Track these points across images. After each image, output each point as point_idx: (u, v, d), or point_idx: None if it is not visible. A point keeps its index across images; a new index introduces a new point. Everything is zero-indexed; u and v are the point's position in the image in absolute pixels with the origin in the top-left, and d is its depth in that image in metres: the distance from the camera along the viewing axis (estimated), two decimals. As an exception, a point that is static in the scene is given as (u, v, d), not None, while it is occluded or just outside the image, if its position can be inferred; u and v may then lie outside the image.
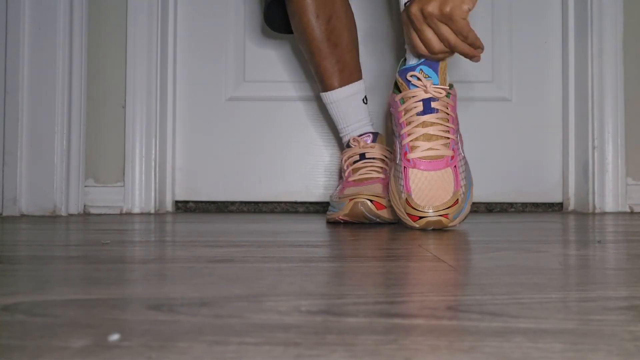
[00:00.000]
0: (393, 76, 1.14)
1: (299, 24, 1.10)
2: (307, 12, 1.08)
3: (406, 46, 0.92)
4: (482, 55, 0.86)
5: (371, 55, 1.45)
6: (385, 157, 1.06)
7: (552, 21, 1.48)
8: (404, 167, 0.86)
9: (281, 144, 1.48)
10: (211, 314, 0.31)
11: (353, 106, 1.13)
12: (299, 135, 1.48)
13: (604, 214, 1.34)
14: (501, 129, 1.47)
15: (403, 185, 0.85)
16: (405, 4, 0.88)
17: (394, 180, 0.89)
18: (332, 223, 1.04)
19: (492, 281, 0.40)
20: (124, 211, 1.39)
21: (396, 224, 0.97)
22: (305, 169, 1.48)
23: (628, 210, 1.39)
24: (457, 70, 1.43)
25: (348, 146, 1.11)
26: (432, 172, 0.85)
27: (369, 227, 0.95)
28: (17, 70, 1.28)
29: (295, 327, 0.28)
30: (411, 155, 0.86)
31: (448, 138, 0.86)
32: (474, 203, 1.33)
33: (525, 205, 1.48)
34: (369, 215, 0.98)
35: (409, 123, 0.87)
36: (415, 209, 0.82)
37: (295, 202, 1.48)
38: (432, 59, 0.87)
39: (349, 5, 1.14)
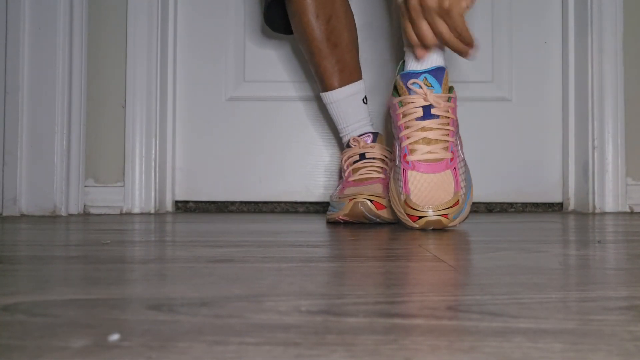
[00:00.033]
0: (393, 77, 1.14)
1: (299, 24, 1.10)
2: (307, 12, 1.08)
3: (405, 48, 0.92)
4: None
5: (371, 55, 1.45)
6: (385, 157, 1.06)
7: (552, 21, 1.48)
8: (403, 169, 0.86)
9: (281, 144, 1.48)
10: (211, 314, 0.31)
11: (353, 106, 1.13)
12: (299, 135, 1.48)
13: (604, 214, 1.34)
14: (501, 129, 1.47)
15: (402, 187, 0.85)
16: None
17: (394, 183, 0.89)
18: (332, 223, 1.04)
19: (492, 281, 0.40)
20: (124, 211, 1.39)
21: (396, 224, 0.97)
22: (305, 169, 1.48)
23: (628, 210, 1.39)
24: (457, 70, 1.43)
25: (348, 146, 1.11)
26: (432, 174, 0.85)
27: (369, 227, 0.95)
28: (17, 70, 1.28)
29: (295, 327, 0.28)
30: (410, 158, 0.86)
31: (447, 141, 0.86)
32: (474, 203, 1.33)
33: (525, 205, 1.48)
34: (369, 215, 0.98)
35: (408, 127, 0.87)
36: (414, 209, 0.82)
37: (295, 202, 1.48)
38: (420, 51, 0.87)
39: (348, 5, 1.14)
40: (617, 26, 1.39)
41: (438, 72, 0.87)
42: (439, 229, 0.84)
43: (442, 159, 0.86)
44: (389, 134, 1.10)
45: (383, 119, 1.39)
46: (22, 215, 1.27)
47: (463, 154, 0.91)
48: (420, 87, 0.86)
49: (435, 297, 0.35)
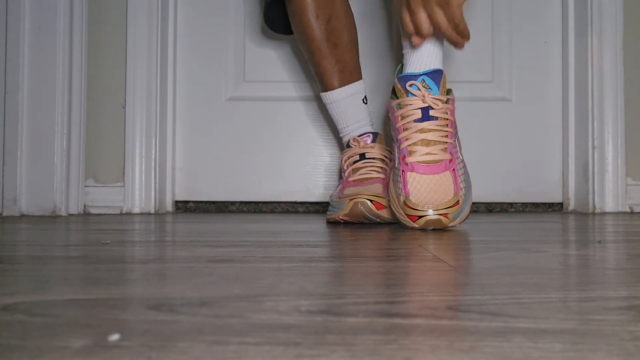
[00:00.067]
0: (393, 78, 1.14)
1: (299, 24, 1.10)
2: (307, 12, 1.08)
3: (403, 51, 0.92)
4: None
5: (371, 55, 1.45)
6: (385, 157, 1.06)
7: (552, 21, 1.48)
8: (403, 170, 0.86)
9: (281, 144, 1.48)
10: (211, 314, 0.31)
11: (353, 106, 1.13)
12: (299, 135, 1.48)
13: (604, 214, 1.34)
14: (501, 129, 1.47)
15: (402, 189, 0.85)
16: None
17: (393, 184, 0.89)
18: (332, 223, 1.04)
19: (492, 281, 0.40)
20: (124, 211, 1.39)
21: (396, 224, 0.97)
22: (305, 169, 1.48)
23: (628, 210, 1.39)
24: (457, 70, 1.43)
25: (348, 146, 1.11)
26: (431, 175, 0.85)
27: (369, 227, 0.95)
28: (17, 70, 1.28)
29: (295, 327, 0.28)
30: (409, 159, 0.86)
31: (446, 142, 0.86)
32: (474, 203, 1.33)
33: (525, 205, 1.48)
34: (369, 215, 0.98)
35: (406, 129, 0.87)
36: (414, 209, 0.82)
37: (295, 202, 1.48)
38: (416, 39, 0.87)
39: (348, 5, 1.14)
40: (617, 26, 1.39)
41: (436, 75, 0.87)
42: (439, 229, 0.84)
43: (441, 160, 0.86)
44: (388, 136, 1.10)
45: (383, 119, 1.39)
46: (22, 215, 1.27)
47: (462, 155, 0.91)
48: (418, 89, 0.86)
49: (435, 297, 0.35)
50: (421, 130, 0.86)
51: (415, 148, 0.86)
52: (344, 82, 1.12)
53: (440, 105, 0.86)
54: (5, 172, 1.28)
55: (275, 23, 1.21)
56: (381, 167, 1.04)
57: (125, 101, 1.40)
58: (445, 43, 0.91)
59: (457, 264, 0.50)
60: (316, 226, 0.98)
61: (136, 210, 1.39)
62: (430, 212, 0.82)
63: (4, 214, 1.28)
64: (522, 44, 1.48)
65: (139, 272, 0.47)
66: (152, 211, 1.40)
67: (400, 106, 0.88)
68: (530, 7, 1.48)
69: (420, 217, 0.82)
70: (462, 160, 0.90)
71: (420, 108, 0.86)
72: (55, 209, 1.28)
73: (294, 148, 1.48)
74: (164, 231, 0.91)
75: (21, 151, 1.28)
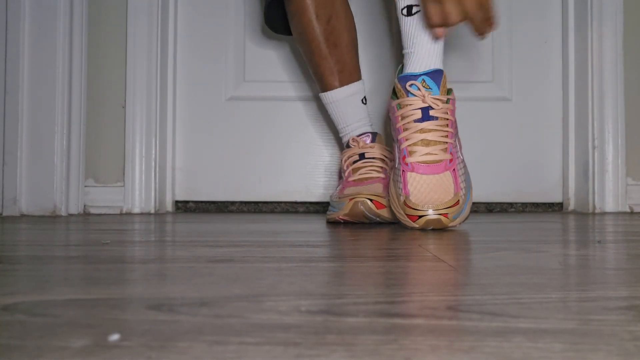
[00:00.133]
0: (393, 78, 1.14)
1: (299, 24, 1.10)
2: (307, 12, 1.08)
3: (403, 52, 0.92)
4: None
5: (371, 55, 1.45)
6: (385, 157, 1.06)
7: (552, 21, 1.48)
8: (403, 171, 0.86)
9: (281, 144, 1.48)
10: (211, 314, 0.31)
11: (352, 106, 1.13)
12: (299, 135, 1.48)
13: (604, 214, 1.34)
14: (501, 129, 1.47)
15: (402, 189, 0.85)
16: None
17: (393, 185, 0.89)
18: (332, 223, 1.04)
19: (492, 281, 0.40)
20: (124, 211, 1.39)
21: (396, 224, 0.97)
22: (305, 169, 1.48)
23: (628, 210, 1.39)
24: (457, 70, 1.43)
25: (348, 146, 1.11)
26: (431, 175, 0.85)
27: (369, 227, 0.95)
28: (17, 70, 1.28)
29: (295, 327, 0.28)
30: (409, 159, 0.86)
31: (446, 142, 0.86)
32: (474, 203, 1.33)
33: (525, 205, 1.48)
34: (369, 214, 0.98)
35: (406, 129, 0.87)
36: (413, 208, 0.82)
37: (295, 202, 1.48)
38: (440, 31, 0.86)
39: (348, 6, 1.14)
40: (617, 26, 1.39)
41: (436, 75, 0.87)
42: (439, 229, 0.84)
43: (441, 161, 0.86)
44: (388, 136, 1.10)
45: (383, 120, 1.39)
46: (22, 215, 1.27)
47: (462, 155, 0.91)
48: (419, 89, 0.86)
49: (435, 297, 0.35)
50: (421, 131, 0.86)
51: (415, 148, 0.86)
52: (344, 82, 1.12)
53: (441, 105, 0.86)
54: (5, 172, 1.28)
55: (275, 23, 1.21)
56: (381, 167, 1.04)
57: (125, 101, 1.40)
58: (446, 43, 0.91)
59: (457, 264, 0.50)
60: (316, 226, 0.98)
61: (136, 210, 1.39)
62: (431, 212, 0.82)
63: (4, 214, 1.28)
64: (522, 43, 1.48)
65: (139, 272, 0.47)
66: (152, 211, 1.40)
67: (400, 106, 0.88)
68: (530, 7, 1.48)
69: (420, 217, 0.82)
70: (463, 160, 0.90)
71: (420, 108, 0.86)
72: (55, 209, 1.28)
73: (294, 148, 1.48)
74: (164, 231, 0.91)
75: (21, 151, 1.28)
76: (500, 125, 1.47)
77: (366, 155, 1.06)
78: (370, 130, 1.11)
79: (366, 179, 1.04)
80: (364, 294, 0.36)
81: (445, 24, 0.85)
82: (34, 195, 1.28)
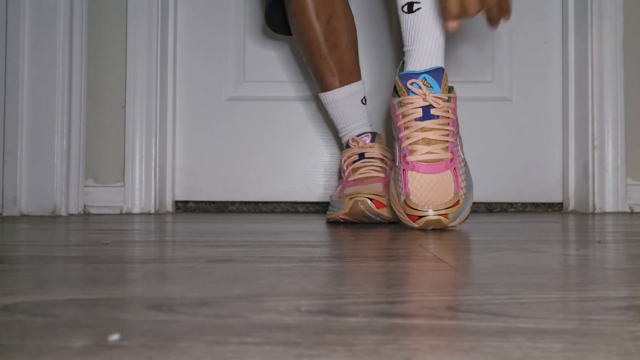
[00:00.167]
0: (393, 78, 1.14)
1: (299, 24, 1.10)
2: (307, 12, 1.08)
3: (404, 49, 0.92)
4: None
5: (371, 55, 1.45)
6: (385, 156, 1.06)
7: (552, 21, 1.48)
8: (403, 169, 0.86)
9: (281, 144, 1.48)
10: (211, 314, 0.31)
11: (352, 106, 1.13)
12: (299, 135, 1.48)
13: (604, 214, 1.34)
14: (501, 129, 1.47)
15: (402, 188, 0.85)
16: None
17: (394, 183, 0.89)
18: (332, 223, 1.04)
19: (492, 281, 0.40)
20: (124, 211, 1.39)
21: (396, 224, 0.97)
22: (305, 169, 1.48)
23: (628, 210, 1.39)
24: (457, 70, 1.43)
25: (347, 146, 1.11)
26: (432, 174, 0.85)
27: (369, 227, 0.95)
28: (17, 70, 1.28)
29: (295, 327, 0.28)
30: (410, 158, 0.86)
31: (447, 141, 0.86)
32: (474, 203, 1.33)
33: (525, 205, 1.48)
34: (369, 213, 0.98)
35: (407, 127, 0.87)
36: (414, 208, 0.82)
37: (295, 202, 1.48)
38: (454, 24, 0.85)
39: (348, 6, 1.14)
40: (617, 26, 1.39)
41: (437, 73, 0.87)
42: (439, 229, 0.84)
43: (442, 160, 0.86)
44: (389, 135, 1.10)
45: (383, 119, 1.39)
46: (22, 215, 1.27)
47: (463, 154, 0.91)
48: (420, 87, 0.86)
49: (435, 297, 0.35)
50: (422, 129, 0.86)
51: (416, 147, 0.86)
52: (344, 82, 1.12)
53: (442, 103, 0.86)
54: (5, 172, 1.28)
55: (276, 23, 1.21)
56: (381, 167, 1.04)
57: (125, 101, 1.40)
58: (445, 43, 0.91)
59: (457, 264, 0.50)
60: (316, 226, 0.98)
61: (136, 210, 1.39)
62: (430, 212, 0.81)
63: (4, 214, 1.28)
64: (522, 44, 1.48)
65: (139, 272, 0.47)
66: (152, 211, 1.40)
67: (401, 104, 0.88)
68: (530, 7, 1.48)
69: (420, 217, 0.82)
70: (464, 159, 0.90)
71: (421, 107, 0.86)
72: (55, 209, 1.28)
73: (294, 148, 1.48)
74: (164, 231, 0.91)
75: (21, 151, 1.28)
76: (500, 125, 1.47)
77: (366, 155, 1.06)
78: (370, 130, 1.11)
79: (366, 178, 1.04)
80: (364, 294, 0.36)
81: (464, 14, 0.83)
82: (34, 195, 1.28)
